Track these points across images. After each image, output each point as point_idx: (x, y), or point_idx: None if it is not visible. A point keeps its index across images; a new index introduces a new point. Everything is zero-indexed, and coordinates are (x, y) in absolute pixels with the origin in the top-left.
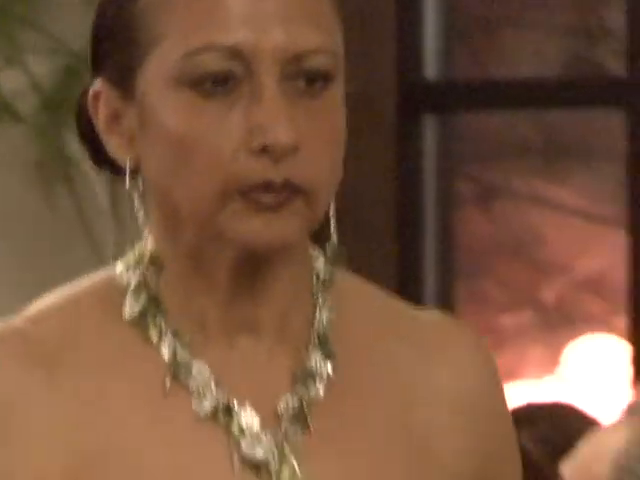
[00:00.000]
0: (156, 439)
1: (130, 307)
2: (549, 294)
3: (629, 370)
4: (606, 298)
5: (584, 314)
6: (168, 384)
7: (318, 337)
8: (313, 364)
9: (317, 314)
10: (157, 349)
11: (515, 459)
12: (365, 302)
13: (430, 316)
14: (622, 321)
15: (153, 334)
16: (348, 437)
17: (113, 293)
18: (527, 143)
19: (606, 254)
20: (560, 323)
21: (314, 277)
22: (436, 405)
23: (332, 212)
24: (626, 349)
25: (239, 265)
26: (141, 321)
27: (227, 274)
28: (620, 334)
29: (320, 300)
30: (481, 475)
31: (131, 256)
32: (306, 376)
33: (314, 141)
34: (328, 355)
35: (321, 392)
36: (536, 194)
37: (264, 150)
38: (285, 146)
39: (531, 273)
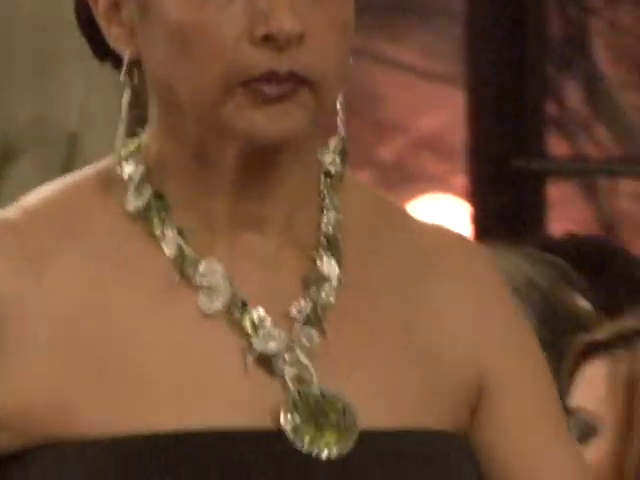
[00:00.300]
0: (159, 332)
1: (134, 200)
2: (388, 153)
3: (468, 230)
4: (445, 158)
5: (423, 173)
6: (177, 278)
7: (327, 239)
8: (323, 267)
9: (325, 215)
10: (161, 245)
11: (531, 359)
12: (367, 202)
13: (429, 224)
14: (461, 181)
15: (157, 229)
16: (361, 343)
17: (114, 185)
18: (365, 0)
19: (445, 113)
20: (399, 182)
21: (322, 175)
22: (439, 313)
23: (340, 104)
24: (465, 209)
25: (244, 160)
26: (144, 216)
27: (233, 170)
28: (459, 194)
29: (327, 200)
30: (489, 382)
31: (129, 149)
32: (318, 280)
33: (320, 29)
34: (337, 257)
35: (332, 296)
36: (375, 52)
37: (267, 39)
38: (289, 34)
39: (370, 132)
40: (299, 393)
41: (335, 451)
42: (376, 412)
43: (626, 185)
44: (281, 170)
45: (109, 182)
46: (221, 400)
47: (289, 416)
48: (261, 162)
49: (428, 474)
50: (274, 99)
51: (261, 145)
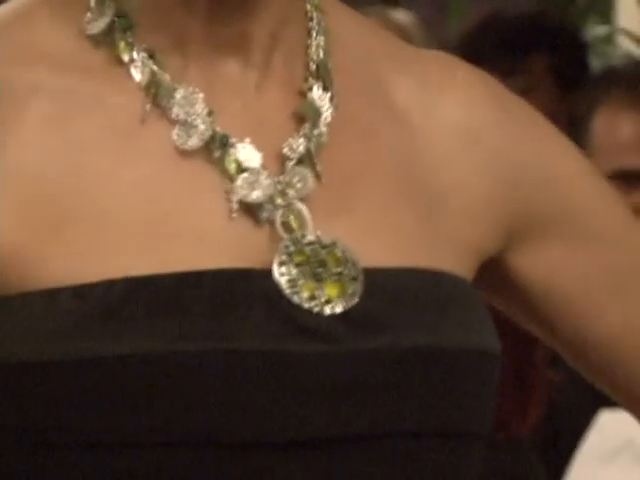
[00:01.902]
0: (128, 170)
1: (94, 20)
2: None
3: None
4: None
5: None
6: (148, 107)
7: (317, 65)
8: (315, 98)
9: (313, 38)
10: (129, 71)
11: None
12: (357, 27)
13: (429, 52)
14: None
15: (124, 53)
16: (357, 184)
17: (71, 4)
18: None
19: None
20: None
21: None
22: (442, 139)
23: None
24: None
25: None
26: (107, 38)
27: None
28: None
29: (315, 21)
30: (516, 206)
31: None
32: (311, 114)
33: None
34: (327, 87)
35: (325, 133)
36: None
37: None
38: None
39: None
40: (293, 240)
41: (339, 306)
42: (376, 252)
43: None
44: None
45: (66, 3)
46: (202, 245)
47: (283, 268)
48: None
49: (449, 313)
50: None
51: None
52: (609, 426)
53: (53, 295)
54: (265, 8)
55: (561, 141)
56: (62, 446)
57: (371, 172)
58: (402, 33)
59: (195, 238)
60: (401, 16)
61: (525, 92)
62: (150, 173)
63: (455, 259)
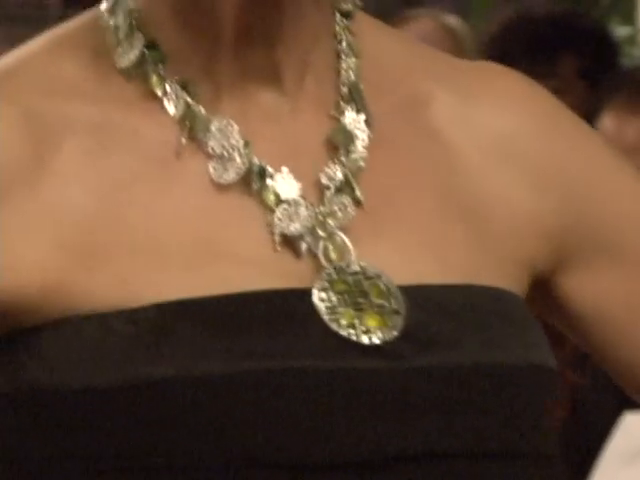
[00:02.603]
0: (167, 201)
1: (124, 52)
2: None
3: None
4: None
5: None
6: (183, 141)
7: (348, 88)
8: (347, 123)
9: (343, 60)
10: (163, 104)
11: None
12: (392, 44)
13: (469, 62)
14: None
15: (156, 86)
16: (399, 205)
17: (101, 37)
18: None
19: None
20: None
21: (337, 14)
22: (483, 153)
23: None
24: None
25: (244, 1)
26: (139, 71)
27: (232, 10)
28: None
29: (345, 43)
30: (565, 219)
31: None
32: (345, 139)
33: None
34: (361, 110)
35: (363, 158)
36: None
37: None
38: None
39: None
40: (336, 269)
41: (377, 338)
42: (426, 271)
43: None
44: (288, 5)
45: (96, 36)
46: (247, 269)
47: (323, 294)
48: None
49: (507, 329)
50: None
51: None
52: (633, 428)
53: (105, 320)
54: (293, 36)
55: (608, 153)
56: (114, 471)
57: (412, 191)
58: (453, 37)
59: (239, 262)
60: (452, 20)
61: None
62: (190, 204)
63: (504, 274)
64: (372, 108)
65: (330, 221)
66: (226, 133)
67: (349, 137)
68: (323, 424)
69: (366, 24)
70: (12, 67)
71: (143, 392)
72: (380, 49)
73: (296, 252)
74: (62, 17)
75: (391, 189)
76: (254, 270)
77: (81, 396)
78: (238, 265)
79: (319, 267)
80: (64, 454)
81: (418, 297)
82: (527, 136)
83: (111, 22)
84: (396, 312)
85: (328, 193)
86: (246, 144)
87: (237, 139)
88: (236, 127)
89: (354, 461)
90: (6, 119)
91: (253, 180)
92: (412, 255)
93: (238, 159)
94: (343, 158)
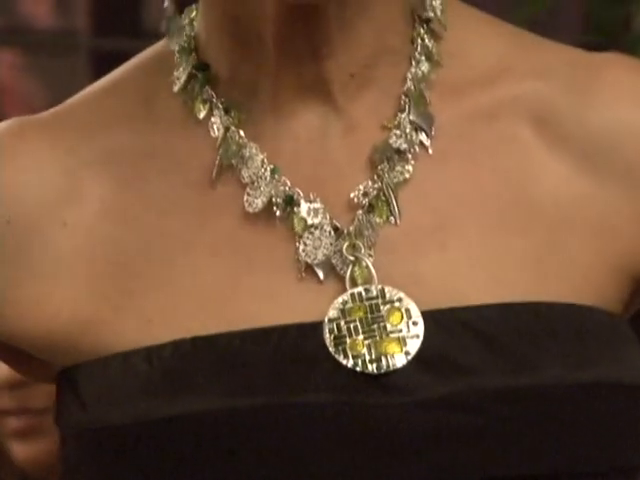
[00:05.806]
0: (202, 234)
1: (177, 77)
2: None
3: None
4: None
5: None
6: (214, 172)
7: (408, 98)
8: (399, 135)
9: (413, 67)
10: (206, 127)
11: None
12: (486, 36)
13: (575, 51)
14: None
15: (200, 109)
16: (452, 217)
17: (164, 63)
18: None
19: None
20: None
21: (416, 19)
22: (589, 145)
23: None
24: None
25: (283, 16)
26: (188, 94)
27: (271, 25)
28: None
29: (419, 50)
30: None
31: (182, 22)
32: (386, 153)
33: None
34: (419, 120)
35: (407, 172)
36: None
37: None
38: None
39: None
40: (352, 295)
41: (388, 365)
42: (470, 289)
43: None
44: (338, 17)
45: (159, 62)
46: (270, 303)
47: (333, 324)
48: (304, 16)
49: (544, 346)
50: None
51: None
52: None
53: (126, 358)
54: (343, 50)
55: None
56: None
57: (470, 202)
58: None
59: (264, 296)
60: None
61: None
62: (222, 237)
63: (584, 282)
64: (441, 116)
65: (358, 244)
66: (255, 161)
67: (392, 151)
68: (325, 460)
69: (460, 18)
70: (69, 105)
71: (149, 430)
72: (472, 46)
73: (320, 280)
74: (91, 46)
75: (445, 199)
76: (275, 304)
77: (99, 432)
78: (262, 298)
79: (344, 292)
80: None
81: (446, 320)
82: (627, 129)
83: (173, 47)
84: (416, 336)
85: (359, 212)
86: (273, 171)
87: (264, 168)
88: (260, 157)
89: None
90: (48, 160)
91: (280, 208)
92: (457, 273)
93: (265, 188)
94: (384, 173)
